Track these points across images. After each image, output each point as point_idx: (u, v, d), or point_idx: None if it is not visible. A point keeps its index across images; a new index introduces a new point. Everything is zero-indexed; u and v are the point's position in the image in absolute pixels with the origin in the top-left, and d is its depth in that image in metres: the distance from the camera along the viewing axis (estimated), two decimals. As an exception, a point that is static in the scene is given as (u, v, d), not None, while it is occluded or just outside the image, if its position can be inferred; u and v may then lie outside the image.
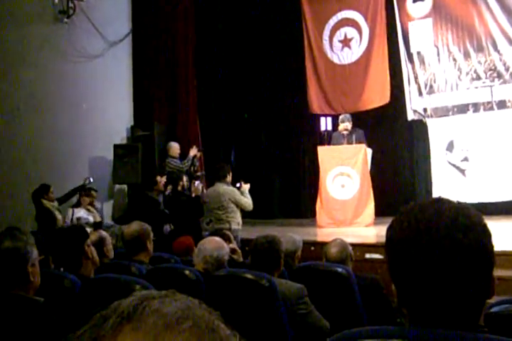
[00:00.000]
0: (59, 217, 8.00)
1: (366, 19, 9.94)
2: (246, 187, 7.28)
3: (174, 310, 0.69)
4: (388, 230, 1.28)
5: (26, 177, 8.69)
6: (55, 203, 8.16)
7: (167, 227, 7.56)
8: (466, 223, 1.20)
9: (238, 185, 7.27)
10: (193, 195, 7.70)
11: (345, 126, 9.07)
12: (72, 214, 8.27)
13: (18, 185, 8.59)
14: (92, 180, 8.80)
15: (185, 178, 8.60)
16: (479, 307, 1.23)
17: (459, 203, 1.26)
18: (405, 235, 1.22)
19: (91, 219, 8.21)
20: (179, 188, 7.99)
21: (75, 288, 3.01)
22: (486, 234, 1.22)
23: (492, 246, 1.22)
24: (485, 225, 1.23)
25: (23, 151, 8.88)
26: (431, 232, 1.19)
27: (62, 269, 3.29)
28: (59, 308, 2.40)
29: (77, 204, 8.46)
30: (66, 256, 3.31)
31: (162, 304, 0.70)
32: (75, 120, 9.40)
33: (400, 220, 1.25)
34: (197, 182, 7.87)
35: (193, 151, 9.38)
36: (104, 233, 4.40)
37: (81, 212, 8.29)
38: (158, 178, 7.94)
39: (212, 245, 3.93)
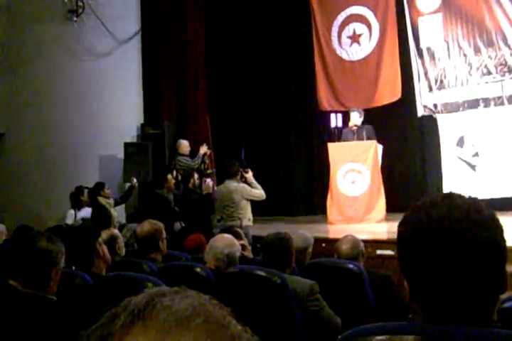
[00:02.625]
0: (115, 214, 8.04)
1: (376, 15, 9.89)
2: (249, 176, 7.28)
3: (185, 306, 0.69)
4: (400, 226, 1.28)
5: (35, 175, 8.74)
6: (111, 200, 8.21)
7: (178, 225, 7.57)
8: (478, 218, 1.20)
9: (241, 170, 7.27)
10: (204, 192, 7.71)
11: (355, 120, 9.03)
12: (75, 215, 8.25)
13: (27, 184, 8.65)
14: (135, 181, 8.86)
15: (196, 176, 8.61)
16: (492, 303, 1.23)
17: (470, 198, 1.26)
18: (417, 231, 1.21)
19: None
20: (190, 186, 7.99)
21: (87, 286, 3.02)
22: (498, 229, 1.22)
23: (504, 241, 1.21)
24: (497, 220, 1.23)
25: (33, 149, 8.93)
26: (443, 228, 1.19)
27: (73, 267, 3.31)
28: (71, 306, 2.42)
29: (79, 205, 8.37)
30: (78, 255, 3.32)
31: (173, 301, 0.70)
32: (85, 118, 9.43)
33: (411, 216, 1.25)
34: (208, 180, 7.87)
35: (203, 149, 9.38)
36: (115, 231, 4.42)
37: (84, 213, 8.24)
38: (169, 176, 7.95)
39: (224, 242, 3.93)
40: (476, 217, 1.20)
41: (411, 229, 1.23)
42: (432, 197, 1.28)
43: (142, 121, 10.42)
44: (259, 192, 7.17)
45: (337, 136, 9.24)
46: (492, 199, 7.81)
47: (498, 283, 1.21)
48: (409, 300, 1.28)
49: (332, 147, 9.02)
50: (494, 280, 1.20)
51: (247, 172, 7.33)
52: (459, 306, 1.19)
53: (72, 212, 8.27)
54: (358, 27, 10.10)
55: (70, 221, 8.13)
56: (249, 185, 7.22)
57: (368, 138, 8.87)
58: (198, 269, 3.64)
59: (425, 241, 1.19)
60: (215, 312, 0.70)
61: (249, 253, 4.79)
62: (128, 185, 8.97)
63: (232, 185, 7.16)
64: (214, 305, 0.71)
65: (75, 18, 9.38)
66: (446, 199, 1.25)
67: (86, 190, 8.29)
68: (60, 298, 2.44)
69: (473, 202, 1.24)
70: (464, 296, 1.18)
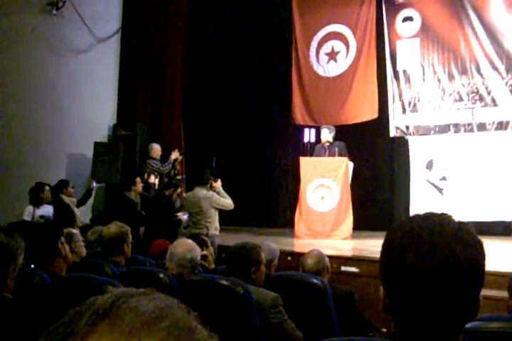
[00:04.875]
0: (78, 213, 7.89)
1: (354, 34, 10.04)
2: (218, 185, 7.26)
3: (152, 308, 0.67)
4: (389, 234, 1.27)
5: (2, 172, 8.58)
6: (74, 199, 8.06)
7: (143, 229, 7.50)
8: (467, 238, 1.21)
9: (210, 181, 7.25)
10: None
11: (325, 136, 9.09)
12: (34, 212, 8.04)
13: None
14: (95, 184, 8.73)
15: (152, 177, 8.59)
16: (462, 325, 1.23)
17: (460, 220, 1.27)
18: (406, 240, 1.21)
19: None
20: (175, 195, 7.89)
21: (45, 285, 2.95)
22: (482, 254, 1.23)
23: (484, 267, 1.22)
24: (482, 245, 1.24)
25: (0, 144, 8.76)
26: (432, 240, 1.19)
27: (32, 266, 3.22)
28: (27, 306, 2.35)
29: (38, 202, 8.08)
30: (38, 253, 3.24)
31: (140, 302, 0.68)
32: (56, 114, 9.31)
33: (402, 225, 1.25)
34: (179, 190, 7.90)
35: (175, 154, 9.36)
36: (73, 230, 4.34)
37: (43, 210, 8.05)
38: (138, 179, 7.88)
39: (185, 247, 3.91)
40: (465, 236, 1.21)
41: (400, 238, 1.23)
42: (426, 212, 1.29)
43: (115, 122, 10.33)
44: (227, 202, 7.16)
45: (309, 150, 9.28)
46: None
47: (473, 306, 1.22)
48: (381, 309, 1.26)
49: (304, 161, 9.05)
50: (470, 303, 1.21)
51: (216, 181, 7.31)
52: (429, 323, 1.19)
53: (30, 208, 8.00)
54: (337, 44, 10.22)
55: (27, 217, 7.89)
56: (218, 194, 7.20)
57: (340, 155, 8.93)
58: (162, 275, 3.59)
59: (412, 251, 1.19)
60: (183, 316, 0.68)
61: (210, 264, 4.76)
62: (95, 185, 8.86)
63: (202, 192, 7.13)
64: (182, 309, 0.70)
65: (54, 12, 9.27)
66: (439, 215, 1.26)
67: (47, 187, 8.10)
68: (16, 297, 2.37)
69: (463, 222, 1.26)
70: (436, 314, 1.18)
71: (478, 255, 1.21)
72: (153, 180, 8.66)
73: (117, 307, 0.66)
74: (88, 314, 0.66)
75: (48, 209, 7.94)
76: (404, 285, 1.19)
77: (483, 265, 1.22)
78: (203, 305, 3.24)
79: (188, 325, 0.68)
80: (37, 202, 8.00)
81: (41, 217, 7.83)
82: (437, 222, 1.22)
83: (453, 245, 1.18)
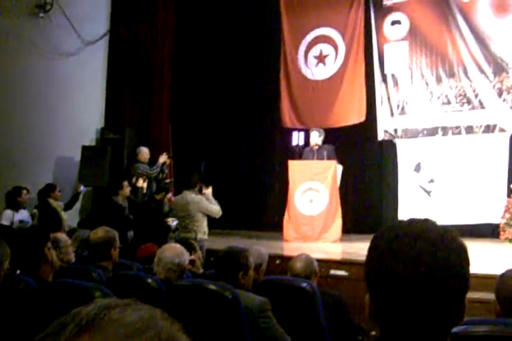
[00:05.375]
0: (65, 217, 7.84)
1: (343, 37, 10.09)
2: (209, 191, 7.25)
3: (135, 319, 0.67)
4: (374, 240, 1.27)
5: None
6: (61, 203, 8.01)
7: (131, 234, 7.47)
8: (452, 244, 1.22)
9: (200, 188, 7.23)
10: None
11: (315, 139, 9.10)
12: (13, 217, 7.96)
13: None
14: (83, 188, 8.69)
15: (140, 181, 8.57)
16: (448, 330, 1.23)
17: (445, 226, 1.27)
18: (391, 245, 1.21)
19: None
20: (165, 200, 7.86)
21: (31, 291, 2.92)
22: (467, 259, 1.23)
23: (469, 272, 1.23)
24: (467, 251, 1.24)
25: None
26: (417, 246, 1.19)
27: (18, 271, 3.20)
28: (14, 312, 2.33)
29: (17, 207, 7.97)
30: (24, 258, 3.21)
31: (123, 313, 0.68)
32: (43, 117, 9.28)
33: (387, 231, 1.25)
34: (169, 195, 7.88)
35: (163, 158, 9.33)
36: (60, 235, 4.31)
37: (22, 215, 7.99)
38: (125, 183, 7.84)
39: (173, 252, 3.91)
40: (450, 242, 1.21)
41: (385, 244, 1.23)
42: (411, 218, 1.29)
43: (103, 125, 10.30)
44: (215, 209, 7.13)
45: (298, 154, 9.29)
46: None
47: (459, 311, 1.22)
48: (367, 315, 1.26)
49: (292, 165, 9.05)
50: (455, 308, 1.21)
51: (207, 188, 7.30)
52: (415, 329, 1.19)
53: (8, 212, 7.93)
54: (325, 48, 10.27)
55: (6, 222, 7.81)
56: (207, 200, 7.18)
57: (329, 158, 8.94)
58: (149, 280, 3.57)
59: (397, 257, 1.19)
60: (166, 326, 0.68)
61: (198, 269, 4.75)
62: (82, 189, 8.83)
63: (190, 196, 7.11)
64: (165, 320, 0.70)
65: (41, 14, 9.24)
66: (424, 221, 1.26)
67: (24, 191, 8.03)
68: (2, 303, 2.35)
69: (448, 229, 1.26)
70: (422, 320, 1.18)
71: (463, 260, 1.21)
72: (142, 183, 8.63)
73: (100, 319, 0.66)
74: (71, 326, 0.66)
75: (24, 214, 7.88)
76: (390, 291, 1.19)
77: (467, 270, 1.22)
78: (191, 310, 3.24)
79: (172, 335, 0.67)
80: (15, 206, 7.93)
81: (21, 221, 7.78)
82: (422, 228, 1.22)
83: (437, 251, 1.18)
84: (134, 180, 8.44)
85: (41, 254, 3.27)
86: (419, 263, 1.17)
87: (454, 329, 1.26)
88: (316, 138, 9.12)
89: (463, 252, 1.22)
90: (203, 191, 7.23)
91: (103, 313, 0.67)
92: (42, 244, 3.28)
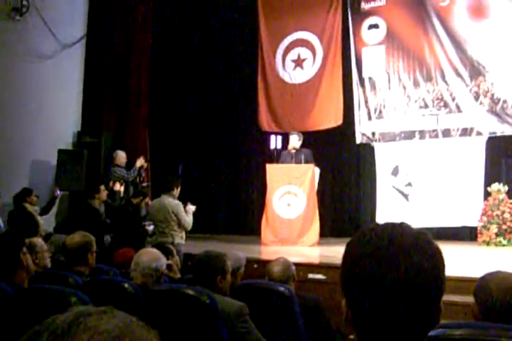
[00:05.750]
0: (41, 222, 7.75)
1: (321, 41, 10.14)
2: (192, 208, 7.23)
3: (111, 327, 0.67)
4: (348, 245, 1.27)
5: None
6: (37, 208, 7.93)
7: (107, 238, 7.41)
8: (427, 248, 1.21)
9: (184, 205, 7.19)
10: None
11: (294, 143, 9.11)
12: None
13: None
14: (59, 192, 8.61)
15: (117, 185, 8.52)
16: (425, 333, 1.23)
17: (419, 229, 1.27)
18: (366, 250, 1.21)
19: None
20: (142, 204, 7.81)
21: (6, 297, 2.88)
22: (442, 262, 1.23)
23: (444, 276, 1.23)
24: (442, 254, 1.24)
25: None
26: (391, 251, 1.19)
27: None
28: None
29: None
30: (-1, 263, 3.17)
31: (99, 321, 0.68)
32: (19, 120, 9.19)
33: (361, 236, 1.25)
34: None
35: (140, 161, 9.28)
36: (36, 240, 4.27)
37: None
38: (102, 187, 7.78)
39: (149, 256, 3.89)
40: (424, 246, 1.21)
41: (360, 248, 1.22)
42: (386, 222, 1.29)
43: (79, 129, 10.23)
44: (187, 220, 7.06)
45: (276, 157, 9.30)
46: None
47: (435, 314, 1.22)
48: (344, 321, 1.26)
49: (270, 168, 9.06)
50: (431, 311, 1.21)
51: (193, 205, 7.25)
52: (391, 333, 1.18)
53: None
54: (303, 52, 10.31)
55: None
56: (185, 211, 7.13)
57: (306, 162, 8.95)
58: (126, 285, 3.54)
59: (372, 261, 1.19)
60: (142, 334, 0.68)
61: (175, 274, 4.73)
62: (59, 193, 8.75)
63: (167, 200, 7.08)
64: (141, 327, 0.69)
65: (18, 17, 9.16)
66: (398, 225, 1.26)
67: None
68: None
69: (423, 232, 1.26)
70: (398, 324, 1.18)
71: (438, 264, 1.21)
72: (119, 187, 8.57)
73: (76, 327, 0.66)
74: (46, 334, 0.66)
75: None
76: (366, 296, 1.19)
77: (443, 273, 1.22)
78: (169, 315, 3.22)
79: None
80: None
81: None
82: (396, 232, 1.22)
83: (412, 255, 1.18)
84: (110, 183, 8.38)
85: (16, 260, 3.22)
86: (393, 268, 1.17)
87: (431, 333, 1.26)
88: (296, 141, 9.14)
89: (437, 255, 1.22)
90: (187, 206, 7.18)
91: (79, 321, 0.66)
92: (17, 249, 3.24)
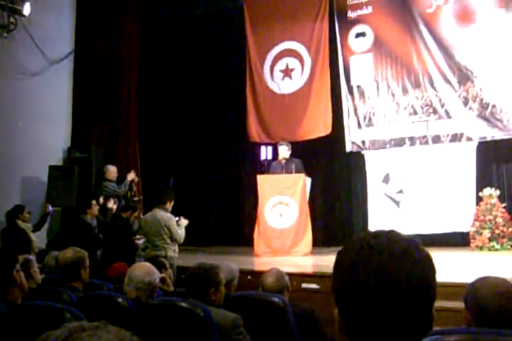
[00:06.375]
0: (34, 238, 7.71)
1: (309, 51, 10.15)
2: (185, 222, 7.21)
3: None
4: (339, 254, 1.27)
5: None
6: (30, 225, 7.89)
7: (99, 253, 7.38)
8: (417, 255, 1.21)
9: (177, 218, 7.17)
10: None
11: (283, 153, 9.11)
12: None
13: None
14: (51, 208, 8.57)
15: (111, 202, 8.49)
16: (419, 339, 1.23)
17: (409, 236, 1.28)
18: (356, 259, 1.21)
19: None
20: (132, 218, 7.77)
21: (0, 315, 2.88)
22: (432, 269, 1.23)
23: (435, 282, 1.23)
24: (432, 260, 1.24)
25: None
26: (382, 258, 1.19)
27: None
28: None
29: None
30: (-8, 282, 3.16)
31: (93, 336, 0.69)
32: (9, 137, 9.17)
33: (352, 245, 1.25)
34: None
35: (131, 176, 9.26)
36: (27, 256, 4.26)
37: None
38: (93, 202, 7.76)
39: (143, 271, 3.88)
40: (414, 253, 1.21)
41: (351, 257, 1.22)
42: (375, 230, 1.29)
43: (69, 144, 10.20)
44: (179, 233, 7.04)
45: (266, 168, 9.30)
46: (414, 236, 7.99)
47: (428, 321, 1.22)
48: (337, 330, 1.26)
49: (261, 179, 9.04)
50: (424, 318, 1.21)
51: (185, 219, 7.24)
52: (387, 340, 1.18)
53: None
54: (291, 61, 10.32)
55: None
56: (178, 225, 7.11)
57: (297, 171, 8.95)
58: (120, 299, 3.54)
59: (363, 270, 1.19)
60: None
61: (168, 287, 4.72)
62: (51, 209, 8.73)
63: (160, 213, 7.06)
64: None
65: (5, 34, 9.17)
66: (388, 233, 1.26)
67: None
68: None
69: (413, 239, 1.26)
70: (391, 332, 1.18)
71: (429, 270, 1.21)
72: (112, 205, 8.54)
73: None
74: None
75: None
76: (357, 305, 1.19)
77: (434, 279, 1.22)
78: (163, 328, 3.22)
79: None
80: None
81: None
82: (386, 240, 1.22)
83: (403, 262, 1.18)
84: (101, 199, 8.33)
85: (10, 277, 3.21)
86: (384, 276, 1.17)
87: (425, 340, 1.27)
88: (285, 151, 9.15)
89: (428, 262, 1.22)
90: (179, 220, 7.17)
91: (73, 337, 0.67)
92: (10, 267, 3.23)
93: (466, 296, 2.66)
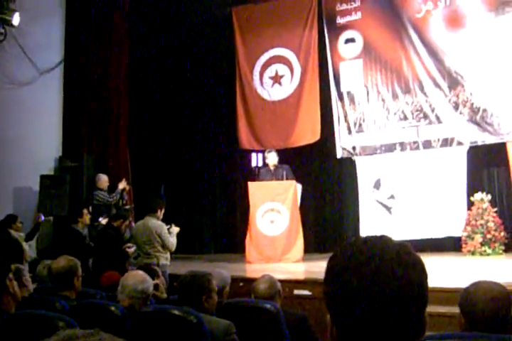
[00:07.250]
0: (27, 247, 7.68)
1: (298, 57, 10.16)
2: (176, 229, 7.20)
3: None
4: (330, 259, 1.26)
5: None
6: (22, 234, 7.87)
7: (91, 261, 7.36)
8: (408, 260, 1.21)
9: (168, 226, 7.16)
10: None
11: (272, 160, 9.12)
12: None
13: None
14: (43, 217, 8.55)
15: (103, 220, 8.44)
16: None
17: (400, 241, 1.27)
18: (348, 264, 1.21)
19: None
20: (123, 227, 7.75)
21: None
22: (424, 274, 1.23)
23: (427, 286, 1.23)
24: (424, 265, 1.24)
25: None
26: (374, 264, 1.18)
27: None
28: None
29: None
30: (-15, 291, 3.15)
31: None
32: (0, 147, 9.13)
33: (343, 250, 1.25)
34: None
35: (122, 184, 9.24)
36: (20, 265, 4.24)
37: None
38: (85, 211, 7.75)
39: (136, 279, 3.87)
40: (405, 258, 1.21)
41: (342, 263, 1.22)
42: (366, 236, 1.29)
43: (60, 154, 10.18)
44: (171, 241, 7.01)
45: (257, 175, 9.30)
46: (406, 241, 7.99)
47: (420, 326, 1.21)
48: (329, 336, 1.26)
49: (252, 186, 9.05)
50: (417, 323, 1.20)
51: (176, 226, 7.23)
52: None
53: None
54: (281, 68, 10.33)
55: None
56: (169, 232, 7.10)
57: (287, 178, 8.95)
58: (113, 308, 3.53)
59: (355, 276, 1.18)
60: None
61: (162, 294, 4.71)
62: (43, 219, 8.70)
63: (151, 221, 7.04)
64: None
65: (-5, 45, 9.17)
66: (379, 238, 1.26)
67: None
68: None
69: (404, 244, 1.26)
70: (384, 338, 1.18)
71: (420, 275, 1.21)
72: (103, 221, 8.48)
73: None
74: None
75: None
76: (349, 311, 1.18)
77: (426, 284, 1.22)
78: (157, 336, 3.22)
79: None
80: None
81: None
82: (377, 246, 1.22)
83: (394, 268, 1.18)
84: (90, 208, 8.27)
85: (2, 286, 3.20)
86: (375, 281, 1.17)
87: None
88: (274, 157, 9.15)
89: (419, 266, 1.22)
90: (171, 228, 7.15)
91: None
92: (3, 276, 3.22)
93: (461, 301, 2.66)
